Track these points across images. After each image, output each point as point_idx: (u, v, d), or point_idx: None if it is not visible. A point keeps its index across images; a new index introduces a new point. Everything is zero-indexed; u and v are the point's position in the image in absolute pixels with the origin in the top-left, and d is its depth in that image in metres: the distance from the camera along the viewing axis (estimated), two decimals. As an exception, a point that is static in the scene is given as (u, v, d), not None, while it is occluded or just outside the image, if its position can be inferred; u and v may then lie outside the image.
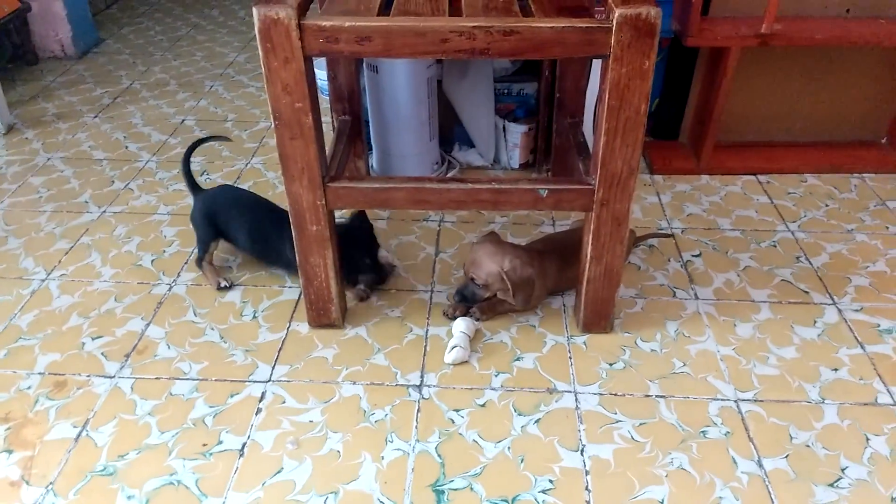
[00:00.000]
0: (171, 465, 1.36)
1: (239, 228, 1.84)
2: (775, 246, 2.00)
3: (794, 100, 2.42)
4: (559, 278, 1.75)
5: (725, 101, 2.24)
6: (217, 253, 1.89)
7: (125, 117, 2.77)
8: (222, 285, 1.83)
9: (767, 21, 2.06)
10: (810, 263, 1.93)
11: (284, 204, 1.52)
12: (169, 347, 1.64)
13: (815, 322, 1.72)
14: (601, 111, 1.38)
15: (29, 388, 1.53)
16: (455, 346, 1.59)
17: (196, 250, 1.88)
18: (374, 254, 1.81)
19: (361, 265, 1.79)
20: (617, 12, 1.24)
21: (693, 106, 2.44)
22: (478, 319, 1.69)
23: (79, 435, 1.43)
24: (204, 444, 1.41)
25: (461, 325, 1.64)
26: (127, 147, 2.54)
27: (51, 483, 1.33)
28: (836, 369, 1.59)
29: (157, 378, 1.56)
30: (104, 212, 2.16)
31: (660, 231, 2.05)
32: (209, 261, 1.85)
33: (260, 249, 1.87)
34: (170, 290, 1.83)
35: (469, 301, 1.69)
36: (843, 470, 1.36)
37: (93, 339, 1.67)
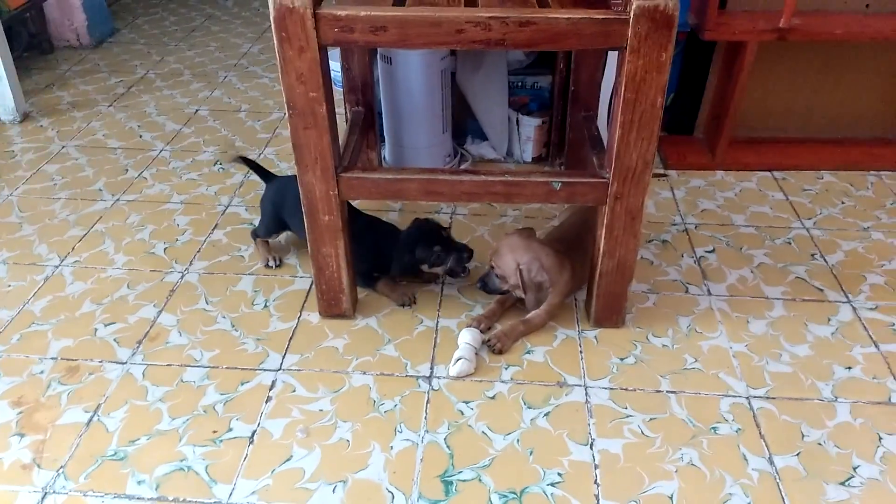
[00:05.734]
0: (181, 451, 1.37)
1: (302, 224, 1.77)
2: (790, 243, 1.99)
3: (811, 96, 2.40)
4: (583, 275, 1.70)
5: (742, 95, 2.22)
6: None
7: (139, 106, 2.78)
8: (269, 264, 1.86)
9: (786, 15, 2.04)
10: (825, 261, 1.91)
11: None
12: (181, 335, 1.65)
13: (830, 320, 1.71)
14: (616, 104, 1.37)
15: (41, 372, 1.55)
16: (460, 359, 1.54)
17: (257, 224, 1.90)
18: (444, 239, 1.68)
19: (429, 258, 1.67)
20: (634, 4, 1.23)
21: (709, 100, 2.42)
22: (499, 352, 1.58)
23: (90, 420, 1.44)
24: (214, 431, 1.41)
25: (467, 337, 1.58)
26: (141, 136, 2.55)
27: (62, 467, 1.34)
28: (849, 367, 1.57)
29: (168, 365, 1.57)
30: (118, 200, 2.17)
31: None
32: (265, 239, 1.88)
33: None
34: (182, 278, 1.83)
35: (489, 291, 1.66)
36: (854, 469, 1.35)
37: (105, 325, 1.68)
